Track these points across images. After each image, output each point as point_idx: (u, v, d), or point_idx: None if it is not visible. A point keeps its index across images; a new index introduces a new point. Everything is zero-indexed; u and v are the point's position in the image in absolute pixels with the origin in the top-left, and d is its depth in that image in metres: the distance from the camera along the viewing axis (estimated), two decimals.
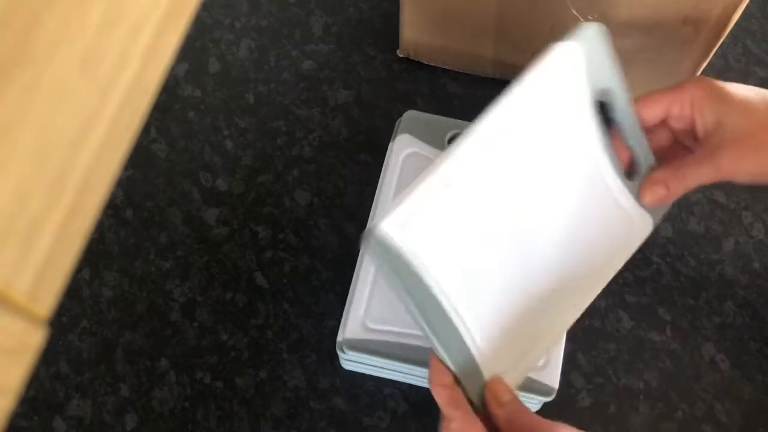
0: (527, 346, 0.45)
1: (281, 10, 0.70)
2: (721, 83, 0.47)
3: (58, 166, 0.21)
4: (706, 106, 0.47)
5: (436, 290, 0.40)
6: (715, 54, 0.60)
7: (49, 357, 0.58)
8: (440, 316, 0.41)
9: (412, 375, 0.54)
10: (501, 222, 0.43)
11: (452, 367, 0.42)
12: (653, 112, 0.48)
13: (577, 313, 0.47)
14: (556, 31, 0.59)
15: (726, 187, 0.62)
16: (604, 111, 0.46)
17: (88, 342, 0.58)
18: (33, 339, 0.21)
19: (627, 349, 0.57)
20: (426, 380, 0.54)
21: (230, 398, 0.56)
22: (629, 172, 0.48)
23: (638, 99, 0.48)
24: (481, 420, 0.42)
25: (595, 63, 0.44)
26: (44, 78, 0.20)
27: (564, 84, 0.43)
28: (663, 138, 0.50)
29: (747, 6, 0.54)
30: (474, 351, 0.42)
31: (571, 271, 0.46)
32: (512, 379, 0.44)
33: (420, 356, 0.52)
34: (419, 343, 0.52)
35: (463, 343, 0.42)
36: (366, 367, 0.55)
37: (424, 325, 0.41)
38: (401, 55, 0.67)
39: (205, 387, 0.57)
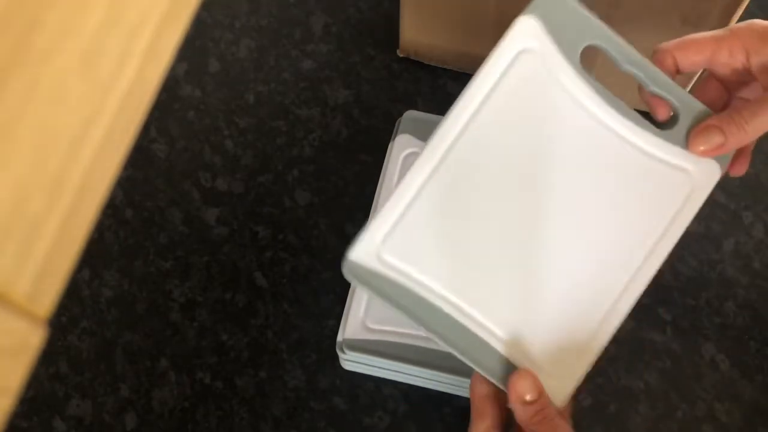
0: (567, 337, 0.41)
1: (281, 10, 0.70)
2: None
3: (58, 165, 0.21)
4: (766, 47, 0.42)
5: (436, 301, 0.38)
6: None
7: (48, 357, 0.58)
8: (452, 327, 0.39)
9: (412, 375, 0.54)
10: (491, 212, 0.40)
11: (490, 377, 0.39)
12: (692, 59, 0.43)
13: (636, 289, 0.41)
14: None
15: (726, 187, 0.62)
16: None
17: (88, 342, 0.58)
18: (33, 339, 0.21)
19: (627, 349, 0.57)
20: (425, 380, 0.55)
21: (230, 398, 0.56)
22: (666, 123, 0.43)
23: (672, 44, 0.43)
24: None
25: (563, 26, 0.41)
26: (44, 78, 0.20)
27: (530, 60, 0.41)
28: (713, 91, 0.46)
29: (747, 6, 0.54)
30: (501, 348, 0.39)
31: (606, 247, 0.41)
32: (555, 383, 0.40)
33: (420, 356, 0.52)
34: (419, 343, 0.52)
35: (487, 344, 0.39)
36: (366, 367, 0.55)
37: (445, 345, 0.39)
38: (401, 55, 0.67)
39: (205, 387, 0.57)
